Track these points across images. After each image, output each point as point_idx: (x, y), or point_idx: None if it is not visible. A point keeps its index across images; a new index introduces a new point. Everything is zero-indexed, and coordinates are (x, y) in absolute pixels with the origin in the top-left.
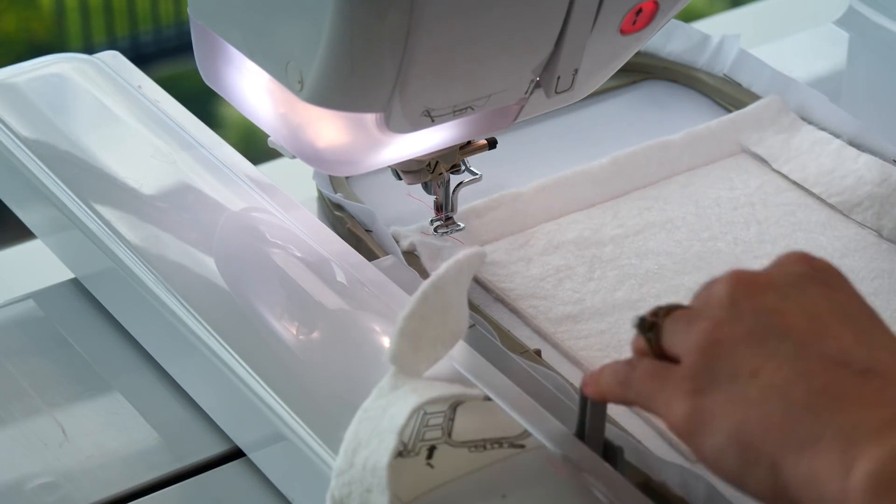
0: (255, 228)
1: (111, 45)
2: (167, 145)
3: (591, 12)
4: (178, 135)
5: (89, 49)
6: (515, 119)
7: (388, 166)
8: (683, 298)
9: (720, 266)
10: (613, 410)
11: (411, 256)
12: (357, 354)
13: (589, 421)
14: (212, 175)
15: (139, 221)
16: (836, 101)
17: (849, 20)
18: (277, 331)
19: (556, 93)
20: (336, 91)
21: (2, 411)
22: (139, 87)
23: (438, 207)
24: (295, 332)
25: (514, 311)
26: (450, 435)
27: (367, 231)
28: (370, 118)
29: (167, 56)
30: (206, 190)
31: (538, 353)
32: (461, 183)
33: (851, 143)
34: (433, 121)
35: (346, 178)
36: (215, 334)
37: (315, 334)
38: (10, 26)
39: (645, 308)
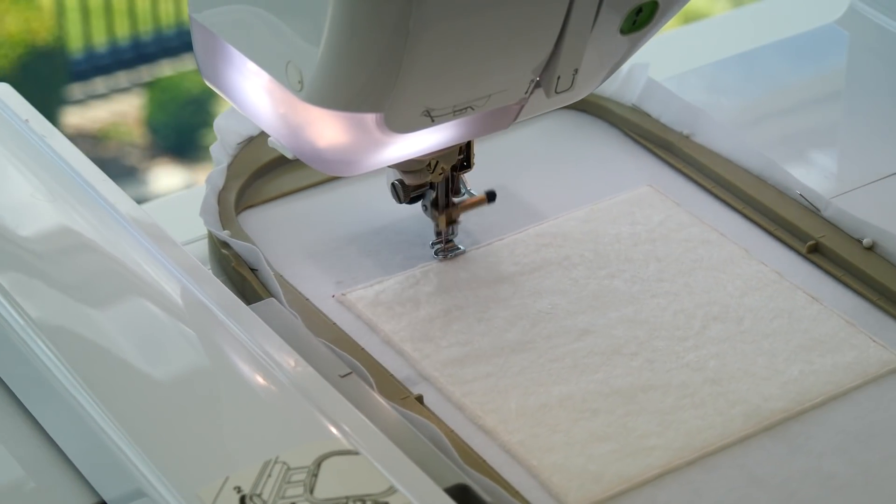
0: (129, 271)
1: (111, 45)
2: (47, 183)
3: (591, 12)
4: (62, 172)
5: (90, 49)
6: (515, 119)
7: (388, 166)
8: (574, 339)
9: (615, 305)
10: (494, 460)
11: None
12: (225, 405)
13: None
14: (92, 214)
15: (10, 261)
16: (836, 101)
17: (849, 20)
18: (141, 378)
19: (556, 93)
20: (336, 91)
21: None
22: (27, 120)
23: (439, 230)
24: (162, 381)
25: (401, 354)
26: (311, 492)
27: (253, 270)
28: (370, 118)
29: (167, 56)
30: (83, 230)
31: (420, 399)
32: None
33: (759, 177)
34: (433, 121)
35: (237, 214)
36: (78, 381)
37: (181, 383)
38: (11, 27)
39: (534, 349)
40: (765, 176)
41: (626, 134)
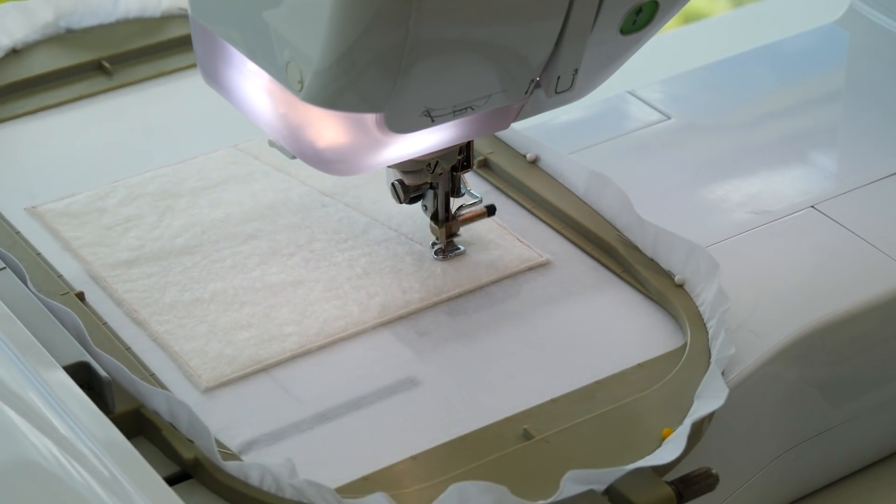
0: None
1: None
2: None
3: (591, 12)
4: None
5: None
6: (515, 119)
7: (388, 166)
8: (240, 243)
9: (286, 214)
10: (139, 347)
11: None
12: None
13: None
14: None
15: None
16: (835, 102)
17: (849, 20)
18: None
19: (556, 93)
20: (336, 91)
21: None
22: None
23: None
24: None
25: (77, 258)
26: None
27: None
28: (370, 118)
29: None
30: None
31: (81, 295)
32: (462, 206)
33: None
34: (433, 121)
35: None
36: None
37: None
38: None
39: (199, 252)
40: None
41: None
